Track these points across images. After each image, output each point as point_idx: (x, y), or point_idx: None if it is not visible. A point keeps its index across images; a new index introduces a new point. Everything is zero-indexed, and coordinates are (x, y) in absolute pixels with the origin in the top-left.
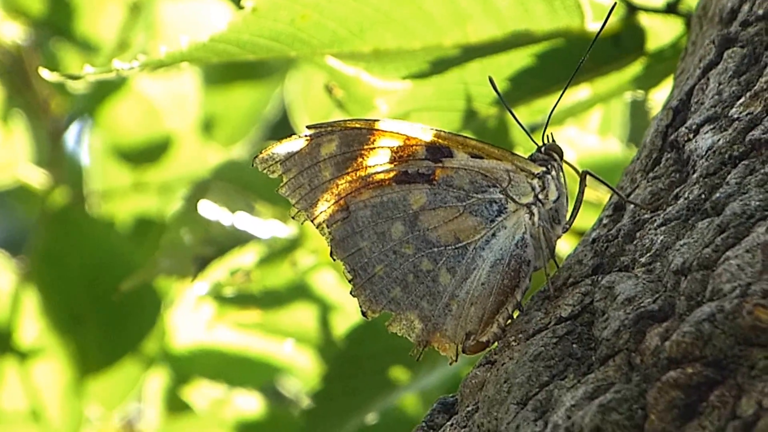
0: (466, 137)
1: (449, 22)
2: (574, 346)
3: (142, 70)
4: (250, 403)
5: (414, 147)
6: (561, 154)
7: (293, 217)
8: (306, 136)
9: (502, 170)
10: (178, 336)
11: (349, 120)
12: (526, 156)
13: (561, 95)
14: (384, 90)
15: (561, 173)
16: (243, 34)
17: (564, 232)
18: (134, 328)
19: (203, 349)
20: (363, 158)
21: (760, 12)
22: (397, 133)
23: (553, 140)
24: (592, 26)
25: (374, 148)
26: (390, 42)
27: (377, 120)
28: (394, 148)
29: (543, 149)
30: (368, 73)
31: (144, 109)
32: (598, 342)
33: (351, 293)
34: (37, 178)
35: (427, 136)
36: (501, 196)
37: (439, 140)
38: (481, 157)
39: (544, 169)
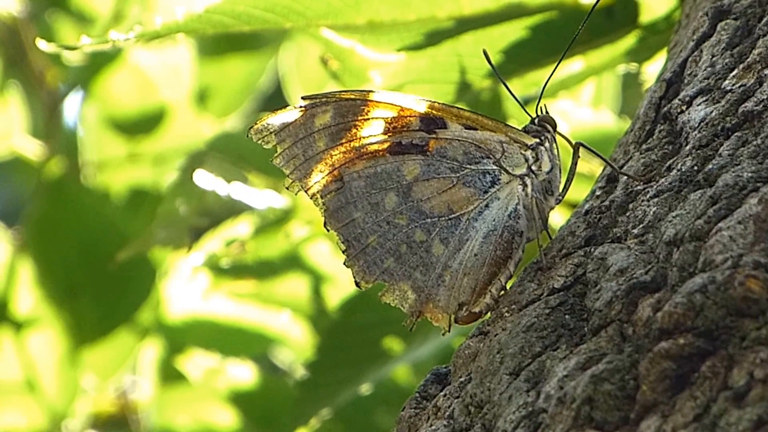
0: (460, 108)
1: None
2: (567, 317)
3: (137, 42)
4: (244, 373)
5: (408, 118)
6: (554, 125)
7: (287, 188)
8: (300, 107)
9: (496, 141)
10: (173, 306)
11: (343, 91)
12: (520, 128)
13: (555, 69)
14: (378, 62)
15: (554, 145)
16: (238, 5)
17: (557, 204)
18: (129, 299)
19: (197, 320)
20: (357, 129)
21: None
22: (392, 104)
23: (547, 112)
24: None
25: (368, 119)
26: (384, 14)
27: (371, 91)
28: (389, 119)
29: (536, 121)
30: (363, 45)
31: (139, 80)
32: (590, 313)
33: (344, 264)
34: (32, 149)
35: (421, 107)
36: (494, 167)
37: (433, 111)
38: (475, 129)
39: (537, 140)
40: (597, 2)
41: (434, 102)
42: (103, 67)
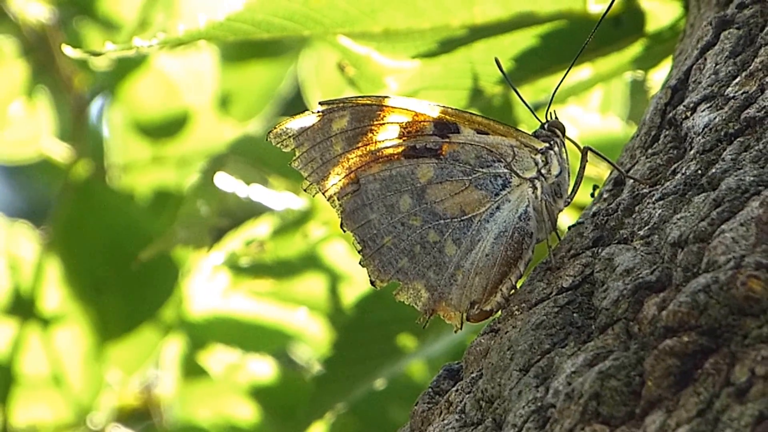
0: (472, 114)
1: (457, 3)
2: (575, 315)
3: (161, 48)
4: (264, 368)
5: (422, 123)
6: (563, 130)
7: (305, 190)
8: (318, 111)
9: (507, 146)
10: (195, 304)
11: (359, 96)
12: (530, 132)
13: (564, 76)
14: (394, 69)
15: (563, 149)
16: (258, 13)
17: (565, 206)
18: (152, 296)
19: (218, 317)
20: (373, 133)
21: None
22: (406, 109)
23: (556, 118)
24: (594, 8)
25: (384, 123)
26: (400, 22)
27: (387, 97)
28: (403, 124)
29: (546, 126)
30: (379, 53)
31: (163, 85)
32: (597, 311)
33: (360, 263)
34: (60, 151)
35: (435, 113)
36: (505, 170)
37: (446, 116)
38: (487, 133)
39: (546, 145)
40: (606, 12)
41: (447, 107)
42: (129, 73)
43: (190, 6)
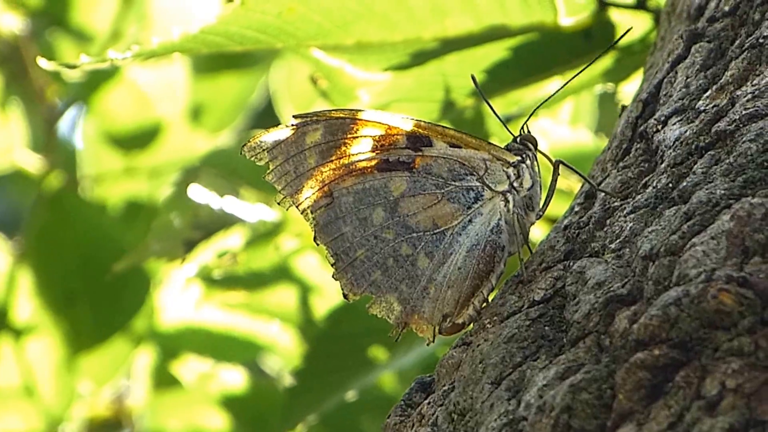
0: (445, 127)
1: (429, 16)
2: (546, 328)
3: (135, 60)
4: (236, 378)
5: (395, 136)
6: (535, 144)
7: (278, 203)
8: (292, 125)
9: (479, 159)
10: (167, 315)
11: (333, 110)
12: (502, 146)
13: (550, 96)
14: (366, 81)
15: (535, 162)
16: (232, 25)
17: (537, 219)
18: (125, 308)
19: (190, 328)
20: (346, 147)
21: (726, 8)
22: (379, 122)
23: (528, 131)
24: (565, 21)
25: (357, 137)
26: (372, 35)
27: (360, 110)
28: (376, 137)
29: (518, 139)
30: (351, 65)
31: (135, 96)
32: (569, 324)
33: (333, 276)
34: (32, 162)
35: (408, 126)
36: (478, 183)
37: (419, 130)
38: (459, 147)
39: (519, 158)
40: (612, 46)
41: (420, 121)
42: (102, 84)
43: (163, 18)
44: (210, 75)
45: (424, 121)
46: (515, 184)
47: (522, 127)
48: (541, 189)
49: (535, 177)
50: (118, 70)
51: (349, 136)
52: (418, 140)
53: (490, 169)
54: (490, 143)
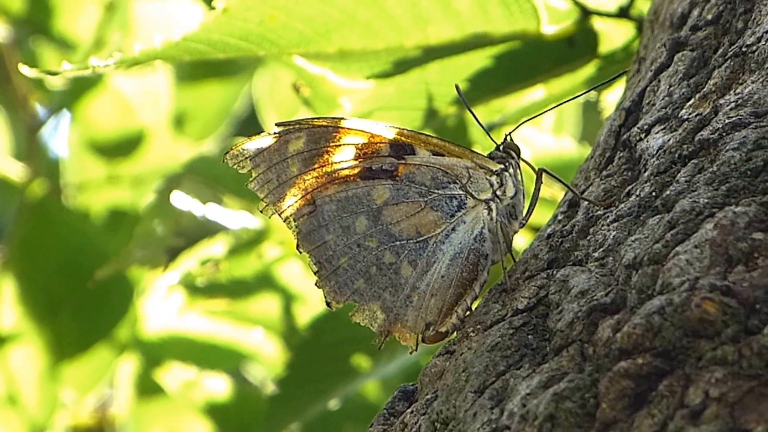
0: (427, 135)
1: (411, 24)
2: (530, 337)
3: (117, 68)
4: (219, 386)
5: (378, 144)
6: (518, 152)
7: (261, 211)
8: (274, 133)
9: (462, 167)
10: (150, 323)
11: (315, 118)
12: (485, 154)
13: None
14: (348, 89)
15: (518, 171)
16: (214, 33)
17: (521, 227)
18: (108, 316)
19: (173, 336)
20: (329, 155)
21: (709, 17)
22: (362, 131)
23: (511, 139)
24: (548, 29)
25: (340, 145)
26: (354, 43)
27: (343, 118)
28: (359, 145)
29: (501, 148)
30: (333, 73)
31: (118, 104)
32: (552, 333)
33: (316, 284)
34: (15, 170)
35: (391, 134)
36: (461, 192)
37: (402, 138)
38: (442, 155)
39: (502, 166)
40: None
41: (403, 129)
42: (85, 92)
43: (145, 25)
44: (193, 83)
45: (407, 130)
46: (498, 193)
47: (505, 136)
48: (524, 197)
49: (518, 185)
50: (102, 78)
51: (331, 144)
52: (400, 148)
53: (473, 177)
54: (472, 151)
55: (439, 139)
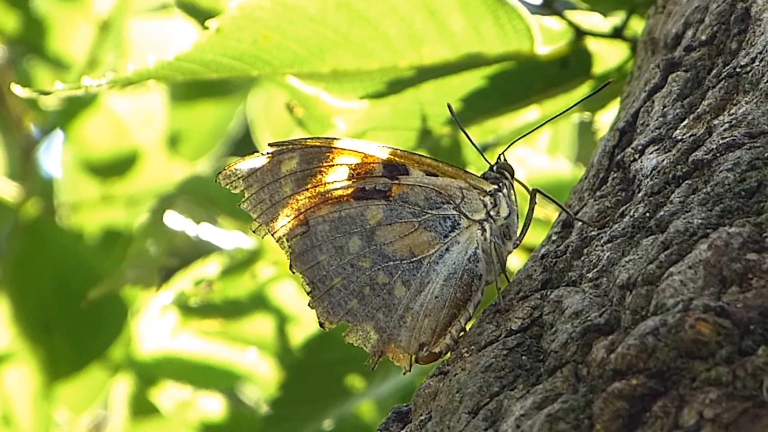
0: (421, 155)
1: (405, 44)
2: (524, 357)
3: (110, 88)
4: (214, 406)
5: (371, 164)
6: (512, 173)
7: (254, 231)
8: (267, 153)
9: (456, 187)
10: (144, 343)
11: (308, 138)
12: (479, 174)
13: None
14: (342, 109)
15: (512, 191)
16: (207, 53)
17: (515, 248)
18: (101, 336)
19: (167, 356)
20: (322, 175)
21: (703, 38)
22: (355, 151)
23: (505, 160)
24: (542, 50)
25: (333, 165)
26: (348, 63)
27: (336, 138)
28: (353, 166)
29: (495, 168)
30: (327, 93)
31: (112, 124)
32: (546, 354)
33: (309, 305)
34: (9, 190)
35: (384, 154)
36: (454, 212)
37: (396, 158)
38: (436, 175)
39: (495, 187)
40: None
41: (396, 149)
42: (79, 112)
43: (138, 45)
44: (188, 103)
45: (400, 150)
46: (492, 213)
47: (499, 156)
48: (518, 218)
49: (512, 206)
50: (96, 98)
51: (325, 164)
52: (394, 168)
53: (466, 197)
54: (466, 172)
55: (433, 159)
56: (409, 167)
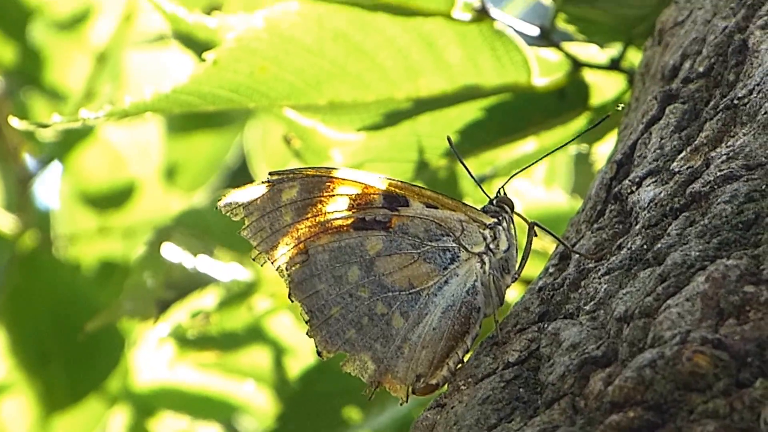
0: (421, 188)
1: (402, 76)
2: (521, 390)
3: (107, 120)
4: None
5: (372, 195)
6: (512, 206)
7: (254, 260)
8: (268, 182)
9: (456, 220)
10: (141, 375)
11: (310, 168)
12: (479, 207)
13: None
14: (339, 141)
15: (512, 225)
16: (204, 85)
17: (513, 282)
18: (98, 367)
19: (164, 388)
20: (323, 204)
21: (701, 69)
22: (356, 181)
23: (505, 193)
24: (539, 81)
25: (333, 195)
26: (345, 94)
27: (336, 168)
28: (353, 196)
29: (495, 201)
30: (324, 125)
31: (109, 156)
32: (543, 386)
33: (307, 334)
34: (6, 222)
35: (384, 185)
36: (454, 244)
37: (396, 189)
38: (436, 207)
39: (495, 220)
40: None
41: (396, 180)
42: (76, 143)
43: (136, 76)
44: (184, 134)
45: (400, 181)
46: (491, 246)
47: (498, 190)
48: (517, 251)
49: (511, 239)
50: (92, 129)
51: (325, 194)
52: (394, 200)
53: (466, 230)
54: (466, 204)
55: (433, 191)
56: (410, 199)
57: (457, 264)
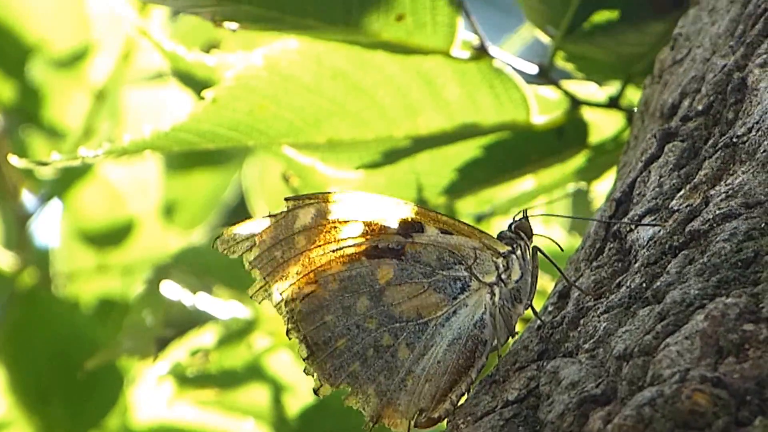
0: (437, 212)
1: (401, 114)
2: (520, 428)
3: (106, 157)
4: None
5: (387, 220)
6: (530, 234)
7: (251, 297)
8: (278, 213)
9: (470, 247)
10: (140, 413)
11: (324, 193)
12: (495, 234)
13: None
14: (338, 179)
15: (527, 252)
16: (203, 123)
17: (525, 310)
18: (98, 405)
19: (163, 426)
20: (336, 231)
21: (700, 107)
22: (371, 207)
23: (525, 218)
24: (538, 119)
25: (348, 221)
26: (344, 132)
27: (353, 193)
28: (368, 222)
29: (512, 227)
30: (323, 163)
31: (108, 193)
32: (543, 425)
33: (305, 371)
34: (5, 260)
35: (401, 211)
36: (465, 273)
37: (412, 215)
38: (451, 233)
39: (509, 248)
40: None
41: (413, 205)
42: (75, 181)
43: (135, 114)
44: (183, 172)
45: (417, 206)
46: (503, 276)
47: (515, 215)
48: (531, 279)
49: (525, 267)
50: (91, 167)
51: (339, 220)
52: (409, 226)
53: (479, 258)
54: (482, 231)
55: (449, 217)
56: (425, 224)
57: (467, 294)
